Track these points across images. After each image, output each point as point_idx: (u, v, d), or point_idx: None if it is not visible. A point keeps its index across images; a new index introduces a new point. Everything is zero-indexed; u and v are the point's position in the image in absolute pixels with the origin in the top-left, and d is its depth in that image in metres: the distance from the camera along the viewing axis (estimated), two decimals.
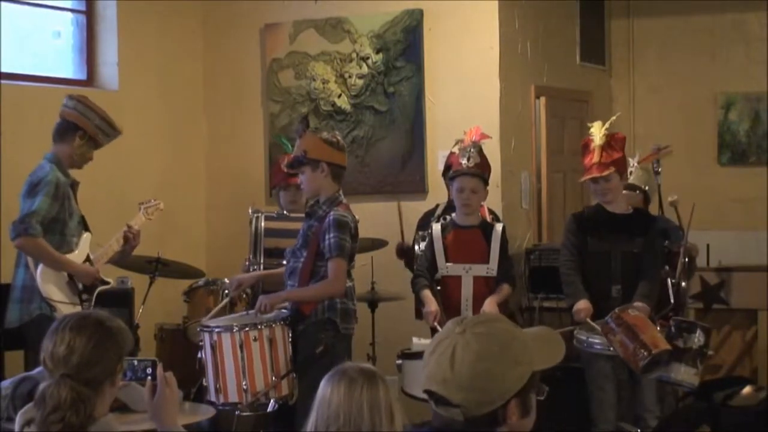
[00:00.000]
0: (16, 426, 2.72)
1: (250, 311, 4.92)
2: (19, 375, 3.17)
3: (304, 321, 4.84)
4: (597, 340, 4.87)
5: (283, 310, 4.84)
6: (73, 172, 5.23)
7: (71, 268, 5.01)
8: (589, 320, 4.97)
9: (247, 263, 5.73)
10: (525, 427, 2.15)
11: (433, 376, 2.13)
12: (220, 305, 5.25)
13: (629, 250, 5.17)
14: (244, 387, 4.61)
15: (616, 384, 5.10)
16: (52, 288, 4.93)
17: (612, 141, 5.21)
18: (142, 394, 3.41)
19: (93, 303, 5.07)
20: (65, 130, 5.11)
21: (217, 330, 4.69)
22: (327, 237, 4.80)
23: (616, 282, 5.14)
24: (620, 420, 5.10)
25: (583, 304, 5.04)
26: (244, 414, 4.70)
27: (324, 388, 2.56)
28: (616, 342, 4.58)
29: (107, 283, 5.21)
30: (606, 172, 5.14)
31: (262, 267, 5.55)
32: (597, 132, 5.20)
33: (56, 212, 4.95)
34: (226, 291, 5.49)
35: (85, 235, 5.15)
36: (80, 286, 5.05)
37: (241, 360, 4.62)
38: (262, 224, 5.69)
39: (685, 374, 4.56)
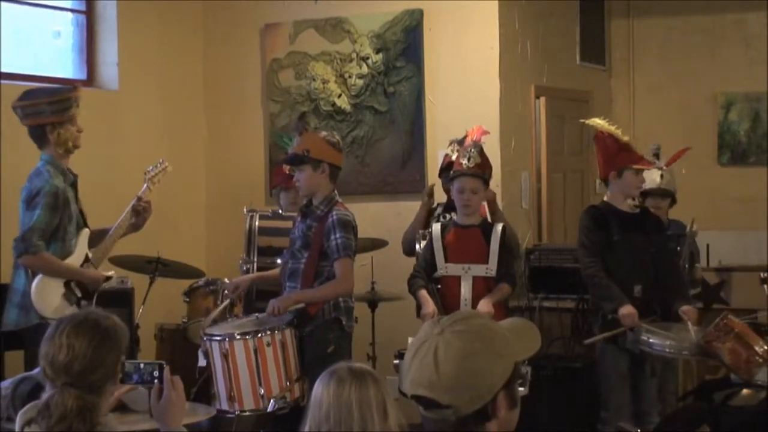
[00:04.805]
0: (17, 426, 2.71)
1: (261, 315, 4.89)
2: (19, 375, 3.17)
3: (311, 322, 4.84)
4: (665, 342, 4.91)
5: (287, 314, 4.83)
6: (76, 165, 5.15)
7: (79, 276, 4.96)
8: (645, 324, 4.98)
9: (241, 262, 5.74)
10: (513, 418, 2.15)
11: (418, 380, 2.11)
12: (219, 308, 5.23)
13: (646, 249, 5.18)
14: (261, 393, 4.60)
15: (631, 384, 5.11)
16: (47, 304, 4.84)
17: None
18: (143, 395, 3.41)
19: (93, 305, 5.02)
20: (36, 136, 4.97)
21: (228, 338, 4.65)
22: (333, 237, 4.81)
23: (638, 282, 5.14)
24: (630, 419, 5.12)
25: (631, 309, 5.01)
26: (244, 414, 4.69)
27: (316, 389, 2.56)
28: (724, 349, 4.65)
29: (110, 277, 5.15)
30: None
31: (255, 265, 5.55)
32: (614, 128, 5.24)
33: (57, 222, 4.89)
34: (226, 291, 5.48)
35: (83, 232, 5.07)
36: (78, 293, 4.98)
37: (256, 366, 4.60)
38: (257, 223, 5.70)
39: (764, 374, 4.67)
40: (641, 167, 5.22)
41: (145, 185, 5.26)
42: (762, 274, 5.62)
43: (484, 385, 2.09)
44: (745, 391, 5.21)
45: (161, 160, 5.42)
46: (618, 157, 5.22)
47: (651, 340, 4.96)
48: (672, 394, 5.60)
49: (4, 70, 6.42)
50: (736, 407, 5.21)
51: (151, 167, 5.35)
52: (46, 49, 6.97)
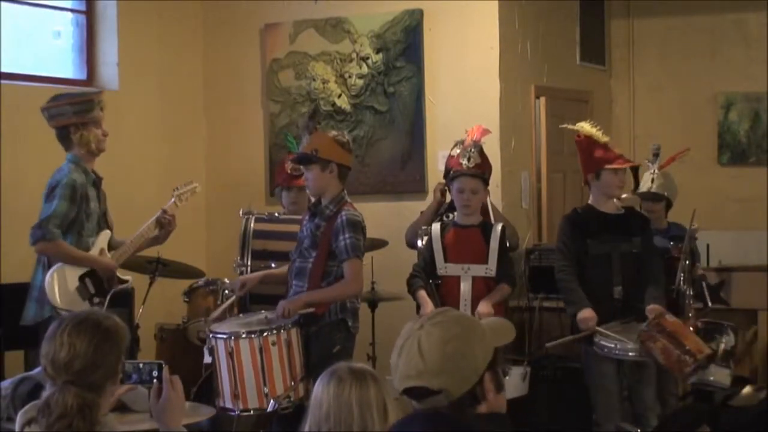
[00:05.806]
0: (17, 426, 2.72)
1: (269, 314, 4.87)
2: (19, 375, 3.17)
3: (317, 322, 4.83)
4: (613, 345, 4.89)
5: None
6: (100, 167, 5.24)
7: (92, 263, 5.04)
8: (599, 328, 4.97)
9: (234, 266, 5.70)
10: (501, 402, 2.29)
11: (406, 373, 2.25)
12: (224, 306, 5.23)
13: (628, 250, 5.16)
14: (265, 392, 4.59)
15: (619, 386, 5.11)
16: (60, 294, 4.93)
17: None
18: (142, 395, 3.41)
19: (106, 305, 5.04)
20: (61, 137, 5.10)
21: (234, 336, 4.65)
22: (342, 238, 4.80)
23: (617, 283, 5.12)
24: (622, 420, 5.11)
25: (588, 313, 5.01)
26: (246, 414, 4.69)
27: (316, 389, 2.57)
28: (657, 349, 4.61)
29: (125, 281, 5.22)
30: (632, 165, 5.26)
31: (249, 269, 5.52)
32: (594, 130, 5.22)
33: (74, 214, 4.98)
34: (227, 291, 5.48)
35: (104, 233, 5.16)
36: (92, 289, 5.05)
37: (261, 365, 4.59)
38: (252, 226, 5.64)
39: (720, 375, 4.66)
40: (616, 167, 5.20)
41: (172, 199, 5.37)
42: (700, 271, 5.61)
43: (468, 367, 2.23)
44: (745, 391, 5.22)
45: (191, 181, 5.54)
46: (594, 158, 5.22)
47: (602, 343, 4.97)
48: (672, 395, 5.60)
49: (4, 70, 6.43)
50: (736, 407, 5.22)
51: (181, 185, 5.47)
52: (46, 49, 6.98)
